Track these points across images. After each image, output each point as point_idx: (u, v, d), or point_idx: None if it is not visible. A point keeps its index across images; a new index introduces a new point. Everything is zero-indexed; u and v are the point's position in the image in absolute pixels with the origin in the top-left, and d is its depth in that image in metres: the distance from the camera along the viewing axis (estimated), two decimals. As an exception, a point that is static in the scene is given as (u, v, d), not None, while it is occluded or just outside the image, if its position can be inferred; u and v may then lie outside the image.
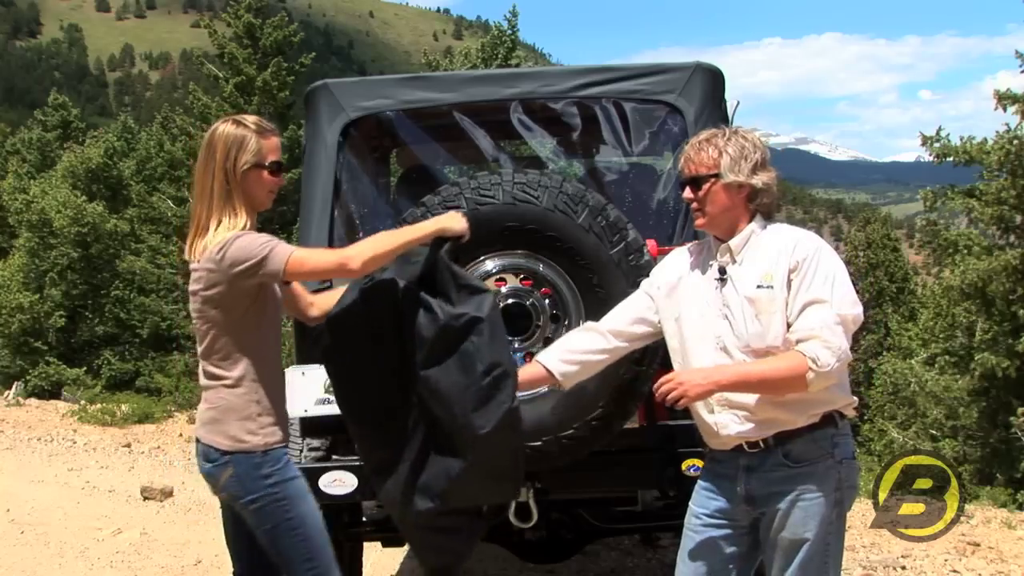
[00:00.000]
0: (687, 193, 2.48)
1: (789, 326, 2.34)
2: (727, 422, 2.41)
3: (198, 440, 2.58)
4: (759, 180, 2.41)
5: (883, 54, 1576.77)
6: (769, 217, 2.47)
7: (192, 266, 2.50)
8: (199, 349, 2.56)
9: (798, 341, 2.29)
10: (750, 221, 2.45)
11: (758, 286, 2.37)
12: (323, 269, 2.52)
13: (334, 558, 2.59)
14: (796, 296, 2.33)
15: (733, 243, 2.45)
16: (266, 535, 2.52)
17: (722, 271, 2.45)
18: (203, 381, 2.57)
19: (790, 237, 2.40)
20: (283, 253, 2.42)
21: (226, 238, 2.44)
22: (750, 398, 2.37)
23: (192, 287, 2.52)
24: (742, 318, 2.38)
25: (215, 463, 2.51)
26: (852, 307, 2.32)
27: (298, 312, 2.76)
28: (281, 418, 2.58)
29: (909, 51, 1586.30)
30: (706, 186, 2.43)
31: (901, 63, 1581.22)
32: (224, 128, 2.53)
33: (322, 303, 2.71)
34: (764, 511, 2.42)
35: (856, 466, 2.47)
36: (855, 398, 2.45)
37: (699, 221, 2.49)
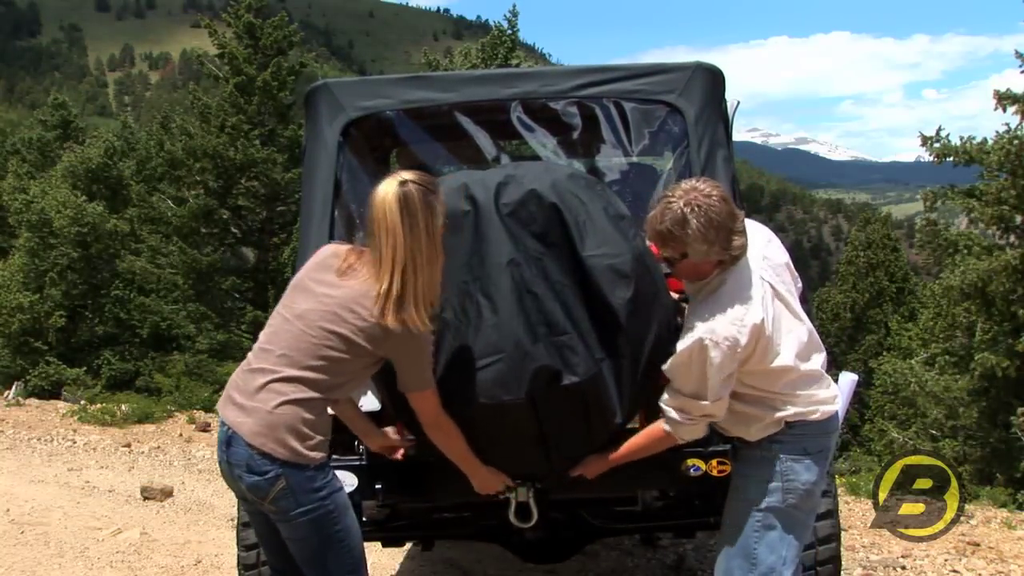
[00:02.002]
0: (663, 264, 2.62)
1: None
2: None
3: (241, 441, 2.44)
4: (734, 249, 2.47)
5: (890, 53, 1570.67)
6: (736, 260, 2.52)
7: (380, 321, 2.38)
8: (291, 357, 2.44)
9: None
10: (718, 271, 2.54)
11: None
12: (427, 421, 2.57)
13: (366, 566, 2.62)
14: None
15: (691, 288, 2.64)
16: (311, 547, 2.50)
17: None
18: (275, 384, 2.43)
19: (701, 322, 2.48)
20: (432, 395, 2.50)
21: (423, 334, 2.41)
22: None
23: (361, 336, 2.41)
24: None
25: (265, 476, 2.42)
26: (692, 395, 2.50)
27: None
28: (329, 435, 2.55)
29: (916, 50, 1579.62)
30: (678, 265, 2.55)
31: (907, 62, 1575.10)
32: (417, 192, 2.40)
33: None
34: None
35: (807, 466, 2.57)
36: (782, 414, 2.56)
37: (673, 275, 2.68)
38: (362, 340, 2.42)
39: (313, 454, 2.45)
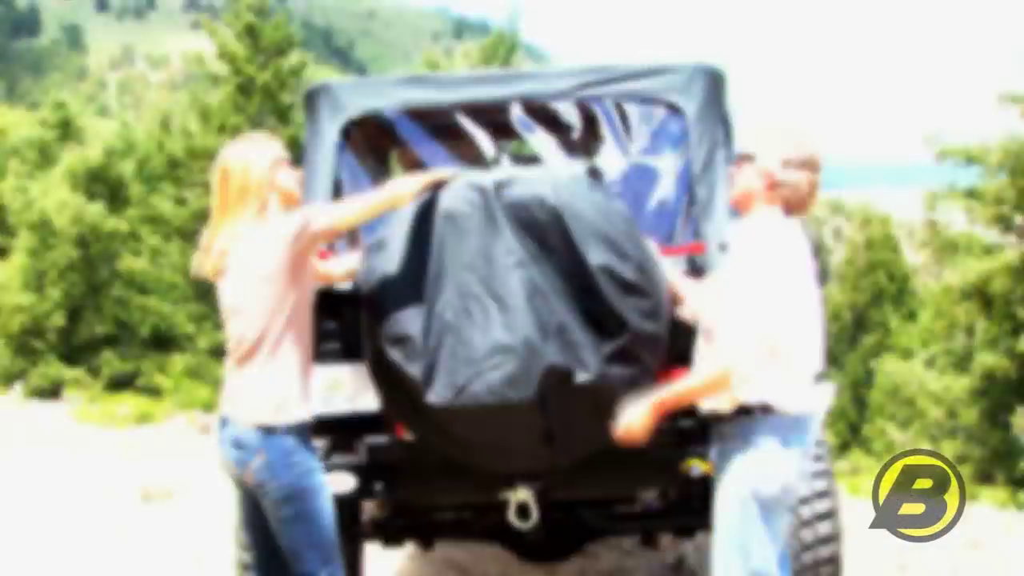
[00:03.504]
0: (732, 167, 2.68)
1: None
2: None
3: (225, 422, 2.66)
4: (783, 175, 2.54)
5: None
6: (789, 213, 2.59)
7: (231, 256, 2.63)
8: (233, 334, 2.64)
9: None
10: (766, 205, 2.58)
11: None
12: (356, 220, 2.81)
13: (339, 551, 2.69)
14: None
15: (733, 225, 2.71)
16: (283, 520, 2.61)
17: (722, 247, 2.74)
18: (236, 367, 2.65)
19: (747, 242, 2.52)
20: (319, 212, 2.69)
21: (269, 221, 2.65)
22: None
23: (232, 273, 2.64)
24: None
25: (246, 449, 2.59)
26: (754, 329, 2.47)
27: (324, 278, 2.90)
28: (308, 397, 2.69)
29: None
30: (742, 163, 2.61)
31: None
32: (235, 148, 2.75)
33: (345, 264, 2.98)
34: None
35: (784, 458, 2.53)
36: (773, 400, 2.52)
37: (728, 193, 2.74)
38: (246, 266, 2.60)
39: (287, 421, 2.59)
